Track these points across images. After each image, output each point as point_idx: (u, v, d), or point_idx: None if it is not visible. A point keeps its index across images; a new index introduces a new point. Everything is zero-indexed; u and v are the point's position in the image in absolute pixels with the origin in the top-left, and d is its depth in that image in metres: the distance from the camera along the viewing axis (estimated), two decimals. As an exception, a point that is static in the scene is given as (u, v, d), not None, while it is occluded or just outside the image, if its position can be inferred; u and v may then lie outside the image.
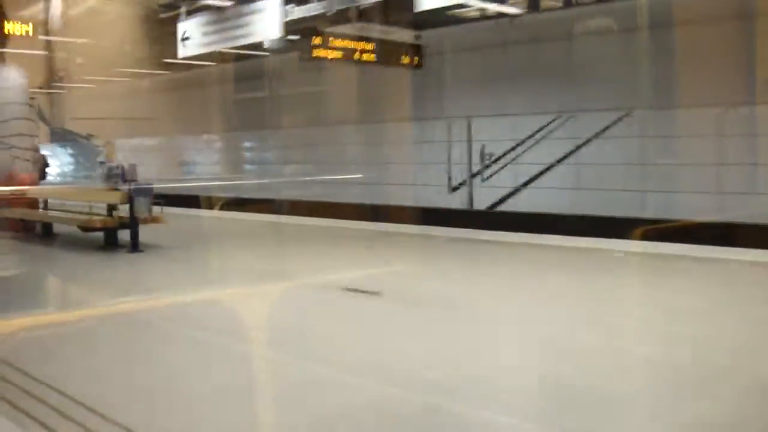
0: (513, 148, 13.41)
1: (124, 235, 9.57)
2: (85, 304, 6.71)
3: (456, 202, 14.21)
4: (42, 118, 23.07)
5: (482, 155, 13.86)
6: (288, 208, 15.17)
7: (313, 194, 15.70)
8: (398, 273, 7.74)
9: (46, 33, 24.37)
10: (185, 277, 7.71)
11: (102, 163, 12.46)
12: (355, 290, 6.65)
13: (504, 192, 13.56)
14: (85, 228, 9.68)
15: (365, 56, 9.95)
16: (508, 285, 7.04)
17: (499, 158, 13.65)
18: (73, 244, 10.46)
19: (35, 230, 11.69)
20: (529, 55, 12.78)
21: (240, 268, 8.18)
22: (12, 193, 11.76)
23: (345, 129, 15.54)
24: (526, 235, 10.26)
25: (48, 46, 26.35)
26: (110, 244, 9.74)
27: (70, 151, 27.34)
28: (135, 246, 9.32)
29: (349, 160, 15.47)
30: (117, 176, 12.33)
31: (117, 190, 12.20)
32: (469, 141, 14.02)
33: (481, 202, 13.91)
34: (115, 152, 12.49)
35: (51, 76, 26.49)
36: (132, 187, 9.28)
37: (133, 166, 9.41)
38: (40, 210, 11.54)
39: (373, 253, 9.35)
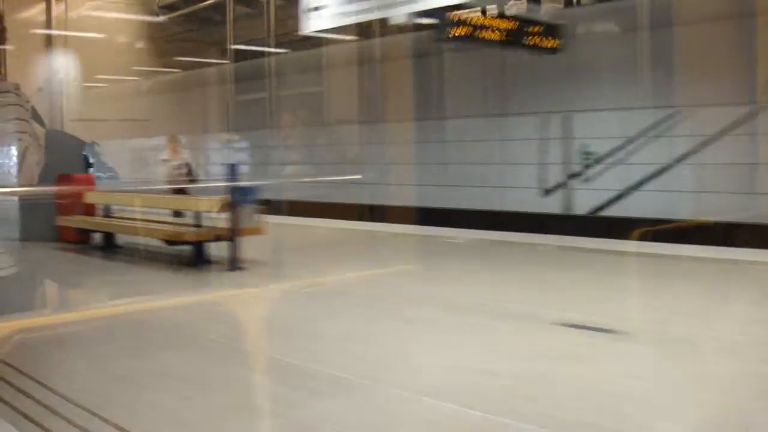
0: (621, 147, 11.95)
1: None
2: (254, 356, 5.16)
3: (550, 206, 12.72)
4: (37, 119, 21.55)
5: (582, 154, 12.41)
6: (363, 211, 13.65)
7: (381, 197, 14.15)
8: (594, 300, 6.24)
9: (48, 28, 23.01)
10: (328, 308, 6.14)
11: (165, 161, 10.84)
12: (581, 327, 5.16)
13: (607, 195, 12.10)
14: (173, 241, 8.09)
15: (495, 35, 8.42)
16: (740, 317, 5.57)
17: (603, 158, 12.19)
18: (148, 259, 8.89)
19: (90, 240, 10.10)
20: (655, 42, 11.33)
21: (385, 293, 6.63)
22: (64, 194, 10.16)
23: (425, 126, 13.95)
24: (658, 245, 8.89)
25: (48, 42, 24.94)
26: (200, 259, 8.18)
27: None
28: (235, 262, 7.76)
29: (423, 160, 13.92)
30: (181, 176, 10.75)
31: (183, 192, 10.70)
32: (568, 138, 12.55)
33: (581, 207, 12.45)
34: (180, 148, 10.86)
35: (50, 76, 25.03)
36: (234, 189, 7.68)
37: (233, 165, 7.81)
38: (99, 217, 9.92)
39: (520, 269, 7.86)
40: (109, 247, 9.60)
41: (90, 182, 10.41)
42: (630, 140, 11.83)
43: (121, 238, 9.68)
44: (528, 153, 12.86)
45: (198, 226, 8.16)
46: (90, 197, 9.97)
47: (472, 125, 13.46)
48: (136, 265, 8.61)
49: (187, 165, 10.78)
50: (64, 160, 12.60)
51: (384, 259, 8.58)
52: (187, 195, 10.59)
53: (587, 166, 12.41)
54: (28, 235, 10.64)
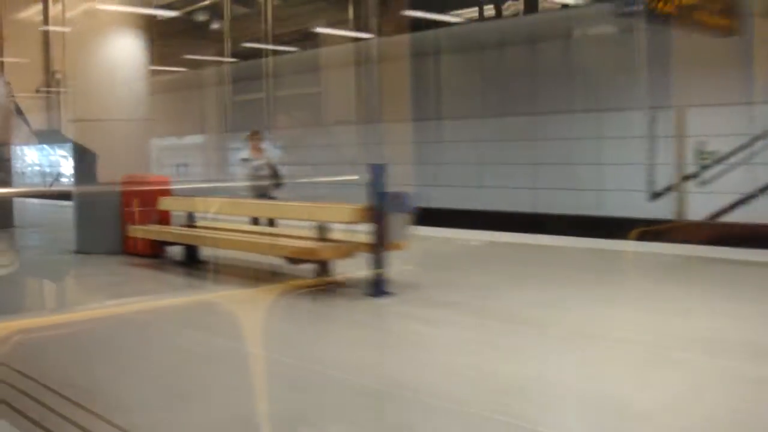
0: (747, 145, 10.66)
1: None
2: None
3: (660, 211, 11.39)
4: (22, 118, 20.16)
5: (699, 154, 11.11)
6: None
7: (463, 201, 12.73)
8: None
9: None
10: (592, 362, 4.70)
11: (245, 160, 9.36)
12: None
13: (727, 199, 10.80)
14: (298, 259, 6.61)
15: (669, 8, 7.07)
16: None
17: (724, 158, 10.89)
18: (251, 279, 7.42)
19: (164, 253, 8.62)
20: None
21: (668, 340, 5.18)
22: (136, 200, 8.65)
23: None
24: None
25: (45, 43, 23.29)
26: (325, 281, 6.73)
27: (52, 152, 24.22)
28: (380, 286, 6.31)
29: (514, 160, 12.53)
30: (264, 178, 9.27)
31: (268, 197, 9.24)
32: (681, 136, 11.24)
33: (696, 211, 11.14)
34: (263, 147, 9.38)
35: (48, 76, 23.63)
36: (382, 194, 6.23)
37: (377, 166, 6.38)
38: (181, 226, 8.42)
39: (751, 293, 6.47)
40: (192, 262, 8.12)
41: (165, 185, 8.87)
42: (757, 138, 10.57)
43: (201, 252, 8.22)
44: (634, 152, 11.54)
45: (326, 239, 6.70)
46: (165, 203, 8.46)
47: (570, 121, 12.11)
48: (243, 288, 7.08)
49: (271, 165, 9.30)
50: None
51: (567, 281, 7.13)
52: (273, 200, 9.15)
53: (704, 167, 11.14)
54: (86, 247, 9.11)
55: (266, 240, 6.93)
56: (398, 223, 6.29)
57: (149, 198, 8.63)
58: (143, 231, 8.21)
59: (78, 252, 9.15)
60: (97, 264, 8.37)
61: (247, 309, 6.18)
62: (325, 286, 6.67)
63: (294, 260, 6.64)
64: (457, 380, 4.08)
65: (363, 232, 6.47)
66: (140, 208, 8.63)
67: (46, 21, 22.10)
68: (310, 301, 6.39)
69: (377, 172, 6.36)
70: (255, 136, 9.40)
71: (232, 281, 7.35)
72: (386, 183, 6.31)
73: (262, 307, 6.19)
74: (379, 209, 6.26)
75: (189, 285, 7.43)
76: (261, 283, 7.18)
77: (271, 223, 9.08)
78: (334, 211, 6.62)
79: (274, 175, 9.30)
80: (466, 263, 8.36)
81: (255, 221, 9.18)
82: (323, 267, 6.73)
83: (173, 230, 8.03)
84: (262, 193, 9.21)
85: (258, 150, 9.29)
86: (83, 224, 9.23)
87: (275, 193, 9.27)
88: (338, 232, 6.81)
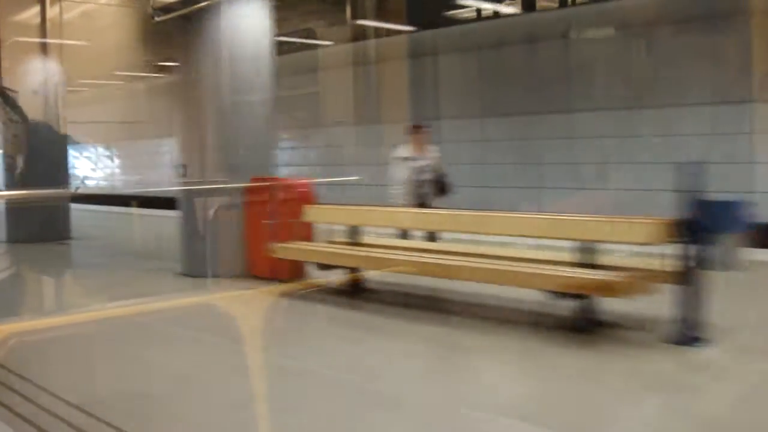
0: None
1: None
2: None
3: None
4: (18, 113, 18.33)
5: None
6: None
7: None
8: None
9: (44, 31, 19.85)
10: None
11: (404, 159, 7.45)
12: None
13: None
14: (566, 293, 4.68)
15: None
16: None
17: None
18: (461, 315, 5.49)
19: (303, 276, 6.74)
20: None
21: None
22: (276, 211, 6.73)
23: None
24: None
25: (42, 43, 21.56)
26: (589, 320, 4.84)
27: (76, 153, 22.49)
28: (690, 330, 4.44)
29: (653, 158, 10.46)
30: (426, 183, 7.38)
31: (428, 205, 7.35)
32: None
33: None
34: (428, 143, 7.50)
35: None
36: (701, 204, 4.35)
37: (696, 165, 4.53)
38: (325, 242, 6.49)
39: None
40: (357, 290, 6.20)
41: (309, 191, 6.93)
42: None
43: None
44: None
45: (595, 265, 4.80)
46: (314, 214, 6.52)
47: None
48: (467, 330, 5.10)
49: (436, 167, 7.40)
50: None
51: None
52: (433, 210, 7.24)
53: None
54: (196, 268, 7.17)
55: (510, 267, 4.97)
56: (727, 244, 4.43)
57: (287, 206, 6.71)
58: (295, 251, 6.24)
59: (186, 275, 7.23)
60: (244, 296, 6.39)
61: (517, 365, 4.28)
62: (584, 325, 4.81)
63: (562, 294, 4.71)
64: None
65: (656, 256, 4.62)
66: (276, 220, 6.71)
67: (44, 21, 20.37)
68: (584, 350, 4.51)
69: (694, 172, 4.48)
70: (419, 129, 7.47)
71: (437, 318, 5.40)
72: (706, 188, 4.45)
73: (534, 363, 4.30)
74: (699, 225, 4.39)
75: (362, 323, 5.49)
76: (471, 318, 5.25)
77: (431, 237, 7.22)
78: (623, 228, 4.68)
79: (440, 180, 7.40)
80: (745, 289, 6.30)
81: (404, 234, 7.32)
82: (588, 303, 4.84)
83: (351, 251, 5.97)
84: (422, 201, 7.31)
85: (420, 148, 7.37)
86: (192, 240, 7.28)
87: (437, 201, 7.37)
88: (604, 253, 4.93)
